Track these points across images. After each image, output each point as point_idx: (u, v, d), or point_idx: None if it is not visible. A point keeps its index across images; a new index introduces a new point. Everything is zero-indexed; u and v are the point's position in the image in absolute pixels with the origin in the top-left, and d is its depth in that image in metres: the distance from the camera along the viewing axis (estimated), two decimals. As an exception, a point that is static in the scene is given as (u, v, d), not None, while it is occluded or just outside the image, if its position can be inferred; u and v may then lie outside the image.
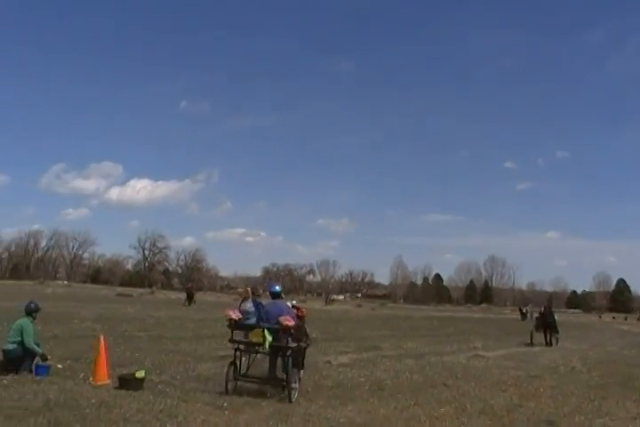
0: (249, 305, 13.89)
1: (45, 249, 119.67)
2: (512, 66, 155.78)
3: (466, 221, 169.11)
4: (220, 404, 8.83)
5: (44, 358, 10.71)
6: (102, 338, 10.76)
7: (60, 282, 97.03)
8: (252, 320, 10.67)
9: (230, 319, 10.39)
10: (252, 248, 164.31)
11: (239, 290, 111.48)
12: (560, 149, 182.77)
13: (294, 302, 15.25)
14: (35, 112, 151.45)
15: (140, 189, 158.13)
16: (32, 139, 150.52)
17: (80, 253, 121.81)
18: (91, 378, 10.13)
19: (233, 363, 10.10)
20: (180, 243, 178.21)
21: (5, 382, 9.61)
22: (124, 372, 10.45)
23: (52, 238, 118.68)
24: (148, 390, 9.60)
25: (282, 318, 10.00)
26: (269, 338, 9.77)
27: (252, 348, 10.16)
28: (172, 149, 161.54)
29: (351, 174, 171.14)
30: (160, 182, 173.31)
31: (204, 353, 15.06)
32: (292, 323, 10.03)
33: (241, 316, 10.65)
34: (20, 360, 10.50)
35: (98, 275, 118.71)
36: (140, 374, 9.84)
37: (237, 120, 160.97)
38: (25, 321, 10.81)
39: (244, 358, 10.41)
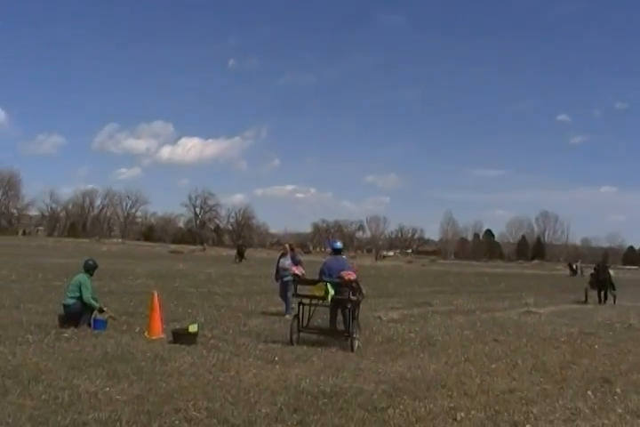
0: (287, 262, 14.02)
1: (100, 208, 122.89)
2: (569, 12, 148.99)
3: (517, 177, 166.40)
4: (272, 358, 8.95)
5: (101, 311, 11.06)
6: (156, 294, 11.00)
7: (114, 240, 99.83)
8: (288, 277, 12.04)
9: (294, 275, 11.33)
10: (302, 205, 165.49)
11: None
12: (619, 100, 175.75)
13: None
14: (87, 73, 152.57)
15: (191, 147, 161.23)
16: (85, 100, 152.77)
17: (133, 211, 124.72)
18: (145, 332, 10.41)
19: (296, 316, 10.53)
20: (230, 200, 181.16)
21: (66, 335, 9.97)
22: (178, 327, 10.69)
23: (106, 197, 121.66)
24: (201, 344, 9.81)
25: (344, 273, 10.61)
26: (332, 292, 10.23)
27: (314, 301, 10.57)
28: (221, 107, 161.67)
29: (400, 130, 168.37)
30: (210, 140, 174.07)
31: (254, 309, 15.29)
32: (353, 277, 10.61)
33: (304, 272, 11.58)
34: (79, 315, 10.85)
35: (151, 233, 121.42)
36: (193, 328, 10.04)
37: (286, 76, 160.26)
38: (83, 277, 11.12)
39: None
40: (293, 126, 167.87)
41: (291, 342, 10.20)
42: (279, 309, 15.15)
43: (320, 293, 10.33)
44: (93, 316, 11.00)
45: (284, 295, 14.15)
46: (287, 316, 13.41)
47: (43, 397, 6.28)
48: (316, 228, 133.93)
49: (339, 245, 12.17)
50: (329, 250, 12.57)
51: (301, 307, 10.56)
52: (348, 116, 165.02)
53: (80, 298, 10.86)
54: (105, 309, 11.21)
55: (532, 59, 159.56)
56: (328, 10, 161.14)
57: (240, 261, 46.59)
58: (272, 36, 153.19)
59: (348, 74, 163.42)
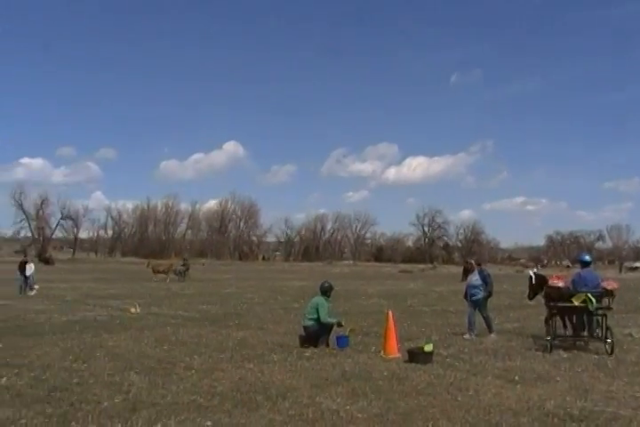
0: (475, 278, 13.31)
1: (331, 231, 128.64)
2: None
3: None
4: (511, 377, 8.57)
5: (340, 325, 11.47)
6: (390, 313, 11.15)
7: (345, 262, 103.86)
8: (480, 295, 13.01)
9: (553, 287, 11.83)
10: (533, 217, 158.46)
11: (521, 261, 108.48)
12: None
13: (535, 270, 14.86)
14: (310, 103, 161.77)
15: (416, 166, 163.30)
16: (314, 129, 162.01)
17: (363, 233, 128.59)
18: (381, 352, 10.57)
19: (550, 324, 11.57)
20: (459, 216, 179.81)
21: (307, 354, 10.50)
22: (412, 346, 10.70)
23: (336, 221, 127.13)
24: (437, 363, 9.71)
25: (606, 284, 11.79)
26: (594, 301, 11.10)
27: (572, 310, 11.70)
28: (444, 124, 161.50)
29: (635, 130, 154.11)
30: (435, 158, 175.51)
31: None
32: (617, 286, 11.82)
33: (564, 284, 11.84)
34: (318, 335, 11.37)
35: (380, 253, 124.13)
36: (429, 347, 9.99)
37: (508, 86, 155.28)
38: (320, 299, 11.66)
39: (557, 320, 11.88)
40: (520, 137, 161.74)
41: (549, 350, 10.88)
42: (515, 325, 14.56)
43: (580, 302, 11.16)
44: (334, 333, 11.45)
45: (469, 316, 13.31)
46: (492, 335, 12.88)
47: (290, 412, 6.63)
48: (550, 240, 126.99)
49: (588, 258, 12.79)
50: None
51: (554, 317, 11.63)
52: (576, 120, 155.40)
53: (318, 319, 11.39)
54: (343, 323, 11.62)
55: None
56: (543, 15, 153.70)
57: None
58: (493, 48, 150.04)
59: (569, 77, 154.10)
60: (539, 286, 12.67)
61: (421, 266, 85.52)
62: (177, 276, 37.28)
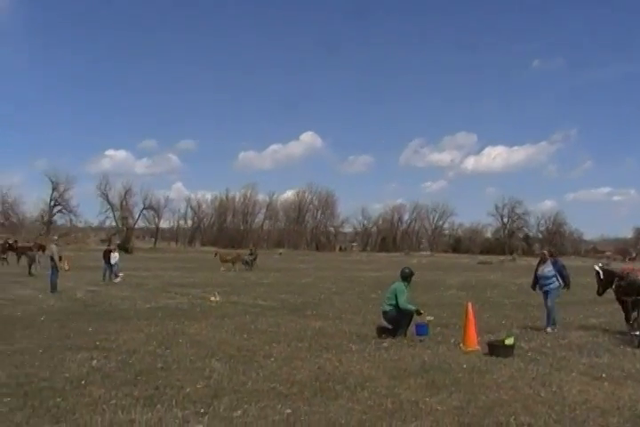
0: (548, 269, 12.80)
1: (408, 222, 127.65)
2: None
3: None
4: (598, 375, 8.26)
5: (419, 313, 11.38)
6: (470, 305, 10.96)
7: (423, 253, 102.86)
8: (555, 284, 12.74)
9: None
10: (620, 208, 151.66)
11: (607, 253, 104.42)
12: None
13: (600, 264, 14.15)
14: (390, 90, 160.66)
15: (496, 156, 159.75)
16: (391, 119, 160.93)
17: (440, 223, 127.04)
18: (461, 344, 10.41)
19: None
20: (540, 207, 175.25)
21: (385, 344, 10.46)
22: (492, 338, 10.51)
23: (413, 211, 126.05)
24: (518, 357, 9.48)
25: None
26: None
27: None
28: (525, 112, 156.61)
29: None
30: (515, 148, 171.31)
31: (572, 320, 14.34)
32: None
33: None
34: (396, 321, 11.30)
35: (458, 244, 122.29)
36: (510, 340, 9.77)
37: (593, 72, 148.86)
38: (400, 285, 11.60)
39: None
40: (606, 124, 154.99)
41: (637, 346, 10.49)
42: (601, 320, 14.06)
43: None
44: (414, 321, 11.37)
45: (546, 306, 12.91)
46: (549, 329, 12.45)
47: (368, 402, 6.63)
48: (638, 232, 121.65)
49: None
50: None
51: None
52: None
53: (397, 305, 11.32)
54: (422, 311, 11.51)
55: None
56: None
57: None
58: (577, 32, 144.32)
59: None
60: (607, 281, 12.38)
61: (500, 257, 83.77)
62: (244, 266, 37.86)
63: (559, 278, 12.86)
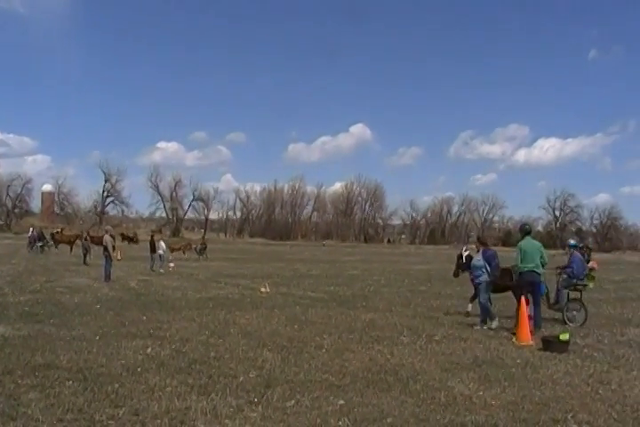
0: (476, 259, 12.32)
1: (457, 214, 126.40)
2: None
3: None
4: (660, 374, 8.03)
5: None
6: (524, 300, 10.78)
7: (472, 245, 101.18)
8: (483, 277, 11.32)
9: None
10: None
11: None
12: None
13: None
14: (441, 84, 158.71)
15: (548, 148, 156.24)
16: (440, 111, 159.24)
17: (490, 216, 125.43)
18: (514, 338, 10.25)
19: None
20: (594, 200, 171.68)
21: (437, 338, 10.38)
22: (547, 334, 10.31)
23: (462, 204, 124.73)
24: (574, 353, 9.28)
25: None
26: None
27: None
28: (581, 104, 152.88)
29: None
30: (568, 140, 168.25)
31: (631, 317, 13.97)
32: None
33: None
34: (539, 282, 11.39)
35: (508, 237, 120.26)
36: (565, 336, 9.57)
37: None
38: (533, 241, 11.69)
39: None
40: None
41: None
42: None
43: None
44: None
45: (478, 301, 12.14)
46: (477, 327, 11.57)
47: (421, 395, 6.59)
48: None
49: None
50: None
51: None
52: None
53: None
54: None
55: None
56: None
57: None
58: (635, 20, 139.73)
59: None
60: None
61: (552, 251, 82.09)
62: (198, 254, 38.96)
63: (487, 270, 11.61)
